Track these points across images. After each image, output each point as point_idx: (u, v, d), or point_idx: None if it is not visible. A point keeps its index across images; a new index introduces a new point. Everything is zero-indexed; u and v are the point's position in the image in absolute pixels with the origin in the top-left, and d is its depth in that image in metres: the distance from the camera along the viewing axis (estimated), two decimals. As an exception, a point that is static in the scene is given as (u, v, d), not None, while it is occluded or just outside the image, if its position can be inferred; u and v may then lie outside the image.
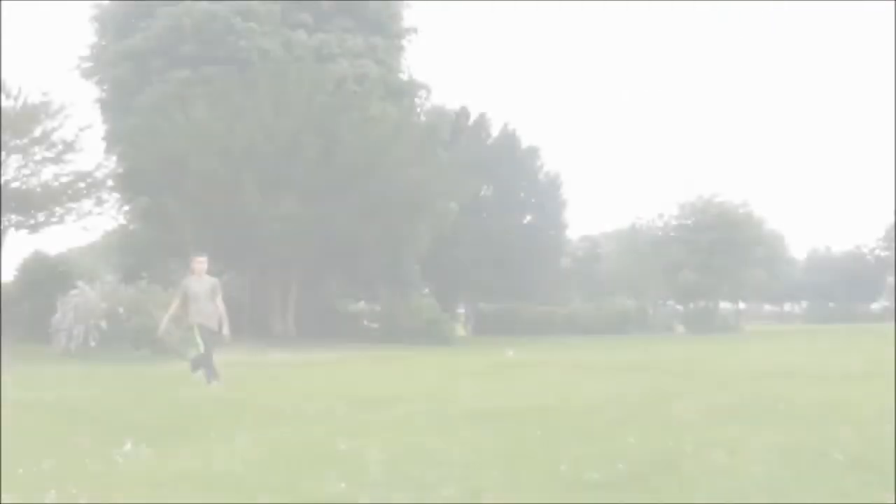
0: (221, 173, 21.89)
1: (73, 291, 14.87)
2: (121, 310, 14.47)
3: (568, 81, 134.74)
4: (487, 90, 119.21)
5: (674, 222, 44.83)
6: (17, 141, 17.28)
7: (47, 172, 18.20)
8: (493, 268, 38.96)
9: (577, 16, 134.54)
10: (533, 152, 42.70)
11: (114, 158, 20.43)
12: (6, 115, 17.20)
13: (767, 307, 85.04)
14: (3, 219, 17.82)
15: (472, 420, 5.72)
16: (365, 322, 26.65)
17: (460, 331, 34.44)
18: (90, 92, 28.79)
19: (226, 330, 8.91)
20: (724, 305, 58.38)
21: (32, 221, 18.18)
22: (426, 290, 33.97)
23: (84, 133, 18.54)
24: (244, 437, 4.97)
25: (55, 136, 17.98)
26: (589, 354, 17.16)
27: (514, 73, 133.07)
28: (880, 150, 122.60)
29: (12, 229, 18.19)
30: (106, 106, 27.84)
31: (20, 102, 17.74)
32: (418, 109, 29.14)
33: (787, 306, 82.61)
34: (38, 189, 17.81)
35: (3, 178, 17.47)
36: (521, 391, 7.90)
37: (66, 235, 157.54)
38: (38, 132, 17.74)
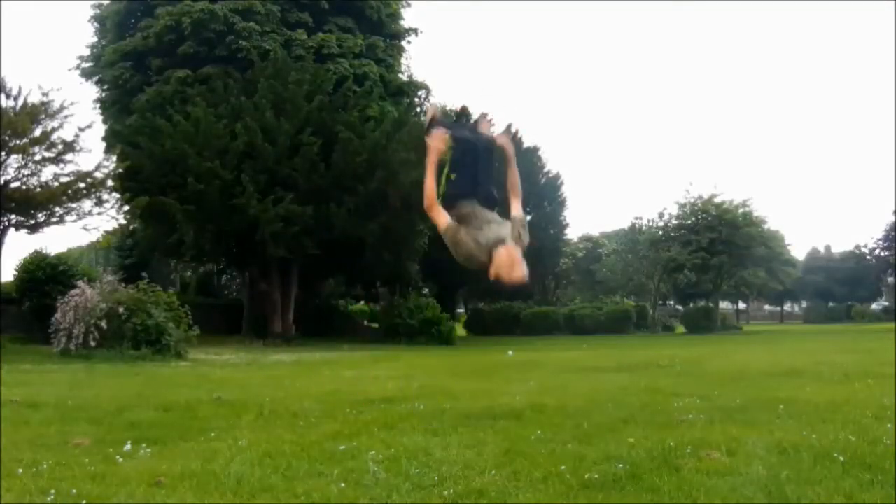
0: (221, 173, 21.91)
1: (73, 291, 14.87)
2: (121, 310, 14.48)
3: (568, 82, 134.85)
4: (487, 90, 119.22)
5: (674, 222, 44.79)
6: (17, 141, 17.25)
7: (47, 172, 18.16)
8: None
9: (578, 16, 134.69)
10: (533, 152, 42.73)
11: (114, 158, 20.41)
12: (6, 115, 17.18)
13: (767, 307, 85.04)
14: (3, 219, 17.80)
15: (472, 420, 5.72)
16: (365, 322, 26.63)
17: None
18: (90, 92, 28.85)
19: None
20: (724, 305, 58.42)
21: (32, 221, 18.14)
22: (426, 290, 33.97)
23: (84, 133, 18.49)
24: (244, 437, 4.96)
25: (55, 136, 17.95)
26: (589, 354, 17.15)
27: (515, 73, 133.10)
28: (880, 150, 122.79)
29: (12, 229, 18.16)
30: (106, 106, 27.89)
31: (20, 102, 17.72)
32: (418, 109, 29.13)
33: (787, 306, 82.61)
34: (38, 189, 17.77)
35: (3, 178, 17.45)
36: (521, 391, 7.90)
37: (66, 235, 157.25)
38: (38, 132, 17.71)
